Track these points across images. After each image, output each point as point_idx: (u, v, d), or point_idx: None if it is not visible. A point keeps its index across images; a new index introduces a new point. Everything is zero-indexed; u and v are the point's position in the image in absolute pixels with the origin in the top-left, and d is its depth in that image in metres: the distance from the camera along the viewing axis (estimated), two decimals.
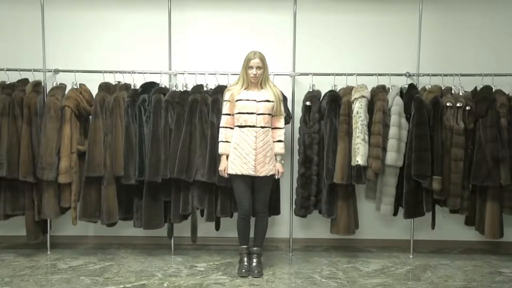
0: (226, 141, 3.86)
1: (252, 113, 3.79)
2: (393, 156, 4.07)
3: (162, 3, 4.54)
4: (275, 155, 3.90)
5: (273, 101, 3.84)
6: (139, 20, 4.63)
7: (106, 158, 4.14)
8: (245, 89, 3.86)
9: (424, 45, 4.54)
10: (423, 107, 4.10)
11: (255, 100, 3.81)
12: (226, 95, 3.88)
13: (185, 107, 4.14)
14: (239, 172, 3.79)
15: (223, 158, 3.85)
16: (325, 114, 4.22)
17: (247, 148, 3.78)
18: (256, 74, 3.80)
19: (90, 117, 4.21)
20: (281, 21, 4.58)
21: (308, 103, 4.26)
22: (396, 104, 4.14)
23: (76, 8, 4.62)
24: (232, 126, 3.86)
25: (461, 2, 4.67)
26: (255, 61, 3.80)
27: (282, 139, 3.94)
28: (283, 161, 3.94)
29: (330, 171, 4.15)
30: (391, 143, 4.09)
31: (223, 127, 3.88)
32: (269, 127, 3.86)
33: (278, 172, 3.91)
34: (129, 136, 4.12)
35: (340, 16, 4.66)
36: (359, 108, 4.07)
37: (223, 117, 3.89)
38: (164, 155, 4.10)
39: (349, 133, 4.12)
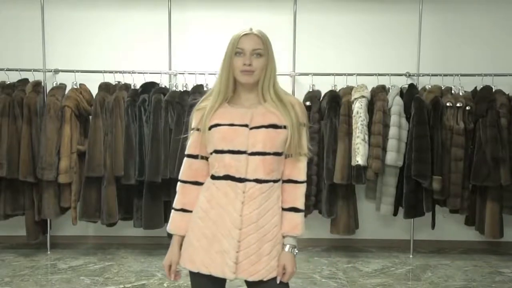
0: (183, 210, 2.00)
1: (239, 151, 1.90)
2: (393, 156, 4.07)
3: (162, 3, 4.54)
4: (283, 237, 1.95)
5: (284, 127, 1.92)
6: (139, 20, 4.62)
7: (106, 158, 4.14)
8: (227, 102, 1.98)
9: (424, 45, 4.53)
10: (423, 107, 4.10)
11: (245, 125, 1.92)
12: (195, 119, 2.01)
13: (185, 107, 4.14)
14: (204, 271, 1.94)
15: (174, 242, 2.07)
16: (325, 114, 4.22)
17: (226, 223, 1.91)
18: (251, 65, 1.91)
19: (90, 117, 4.21)
20: (281, 21, 4.57)
21: (308, 103, 4.26)
22: (396, 104, 4.14)
23: (76, 8, 4.62)
24: (200, 180, 1.99)
25: (461, 2, 4.67)
26: (250, 41, 1.92)
27: (301, 205, 1.98)
28: (296, 251, 1.98)
29: (330, 171, 4.14)
30: (391, 143, 4.09)
31: (184, 181, 2.00)
32: (275, 181, 1.94)
33: (285, 270, 1.95)
34: (129, 136, 4.12)
35: (340, 16, 4.66)
36: (359, 108, 4.07)
37: (186, 161, 2.02)
38: (164, 155, 4.10)
39: (349, 133, 4.12)
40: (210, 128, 1.93)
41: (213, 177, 1.94)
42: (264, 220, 1.91)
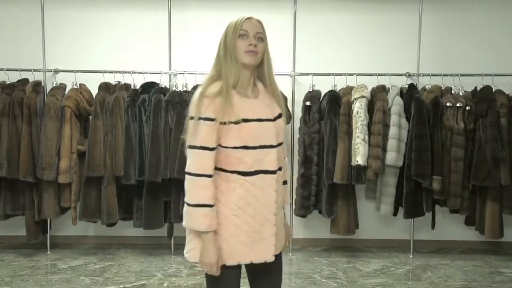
0: (214, 204, 1.94)
1: (271, 146, 1.99)
2: (393, 156, 4.07)
3: (162, 3, 4.54)
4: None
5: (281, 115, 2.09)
6: (139, 20, 4.63)
7: (106, 158, 4.14)
8: (236, 91, 1.97)
9: (424, 45, 4.53)
10: (423, 107, 4.10)
11: (270, 119, 2.01)
12: (208, 109, 1.90)
13: (185, 107, 4.14)
14: (244, 261, 2.01)
15: (210, 238, 1.93)
16: (325, 114, 4.22)
17: (263, 213, 2.00)
18: (256, 46, 1.99)
19: (90, 117, 4.21)
20: (281, 21, 4.57)
21: (308, 103, 4.26)
22: (396, 104, 4.14)
23: (76, 8, 4.62)
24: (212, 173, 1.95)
25: (461, 2, 4.67)
26: (253, 25, 2.04)
27: (288, 178, 2.29)
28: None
29: (330, 171, 4.14)
30: (391, 143, 4.09)
31: (210, 175, 1.92)
32: None
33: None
34: (129, 136, 4.12)
35: (340, 16, 4.66)
36: (359, 108, 4.07)
37: (205, 154, 1.91)
38: (164, 155, 4.10)
39: (349, 133, 4.12)
40: (237, 122, 1.91)
41: (243, 174, 1.94)
42: (280, 199, 2.08)
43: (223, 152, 1.94)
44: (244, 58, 1.95)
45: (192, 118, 1.92)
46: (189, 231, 2.02)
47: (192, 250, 2.01)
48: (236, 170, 1.95)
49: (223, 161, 1.94)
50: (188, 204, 1.94)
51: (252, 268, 2.06)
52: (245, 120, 1.92)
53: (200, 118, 1.90)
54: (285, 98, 4.19)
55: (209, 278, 2.02)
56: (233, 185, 1.95)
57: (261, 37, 1.99)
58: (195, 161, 1.92)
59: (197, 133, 1.91)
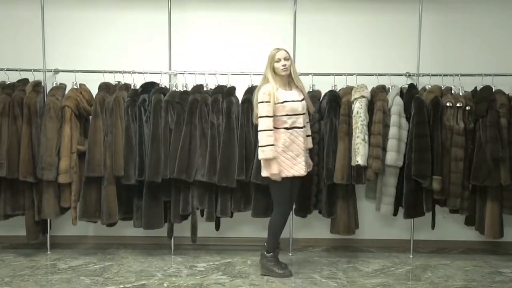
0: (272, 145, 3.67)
1: (299, 114, 3.76)
2: (393, 156, 4.07)
3: (162, 3, 4.54)
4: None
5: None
6: (139, 20, 4.63)
7: (106, 158, 4.14)
8: (278, 87, 3.72)
9: (424, 45, 4.54)
10: (423, 107, 4.10)
11: (298, 100, 3.77)
12: (266, 97, 3.67)
13: (185, 107, 4.14)
14: (289, 174, 3.74)
15: (274, 162, 3.66)
16: (325, 114, 4.22)
17: (297, 149, 3.75)
18: (286, 65, 3.69)
19: (90, 117, 4.21)
20: (281, 21, 4.58)
21: None
22: (396, 104, 4.14)
23: (76, 8, 4.62)
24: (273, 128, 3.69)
25: (461, 2, 4.67)
26: (282, 53, 3.72)
27: (309, 132, 4.07)
28: None
29: (330, 171, 4.15)
30: (391, 143, 4.09)
31: (270, 130, 3.66)
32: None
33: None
34: (129, 136, 4.12)
35: (340, 16, 4.66)
36: (359, 108, 4.07)
37: (267, 120, 3.65)
38: (164, 155, 4.10)
39: (349, 133, 4.12)
40: (283, 103, 3.72)
41: (286, 129, 3.77)
42: (305, 143, 3.94)
43: (279, 119, 3.71)
44: (281, 72, 3.75)
45: (260, 102, 3.68)
46: (263, 162, 3.74)
47: (264, 171, 3.76)
48: (284, 127, 3.74)
49: (281, 123, 3.73)
50: (261, 146, 3.68)
51: (292, 179, 3.79)
52: (286, 101, 3.71)
53: (262, 102, 3.68)
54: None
55: (274, 184, 3.76)
56: (282, 135, 3.73)
57: (287, 57, 3.75)
58: (264, 123, 3.67)
59: (262, 109, 3.68)
